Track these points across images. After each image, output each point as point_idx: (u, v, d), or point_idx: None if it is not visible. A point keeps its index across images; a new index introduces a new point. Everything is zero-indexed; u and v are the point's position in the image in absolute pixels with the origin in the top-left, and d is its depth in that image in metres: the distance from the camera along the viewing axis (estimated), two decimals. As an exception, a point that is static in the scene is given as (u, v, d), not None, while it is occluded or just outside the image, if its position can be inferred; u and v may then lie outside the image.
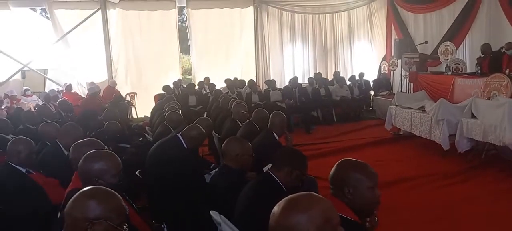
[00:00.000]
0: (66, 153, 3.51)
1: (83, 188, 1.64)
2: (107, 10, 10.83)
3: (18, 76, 10.93)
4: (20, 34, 10.64)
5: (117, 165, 2.18)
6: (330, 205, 1.35)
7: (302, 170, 2.47)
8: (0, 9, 10.41)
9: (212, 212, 2.19)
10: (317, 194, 1.39)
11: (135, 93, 11.29)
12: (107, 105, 8.05)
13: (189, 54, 12.92)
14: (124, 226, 1.56)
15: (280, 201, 1.33)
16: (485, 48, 7.58)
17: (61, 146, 3.59)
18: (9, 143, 3.16)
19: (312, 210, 1.29)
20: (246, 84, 10.12)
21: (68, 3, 10.65)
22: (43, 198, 2.97)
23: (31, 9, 11.43)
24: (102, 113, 6.32)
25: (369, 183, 1.80)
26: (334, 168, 1.90)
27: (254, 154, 3.73)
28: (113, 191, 1.61)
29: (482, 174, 5.11)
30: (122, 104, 8.79)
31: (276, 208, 1.32)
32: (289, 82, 10.36)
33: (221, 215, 2.13)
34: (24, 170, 3.06)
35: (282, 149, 2.88)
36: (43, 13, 11.87)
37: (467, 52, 9.36)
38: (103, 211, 1.51)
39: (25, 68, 10.82)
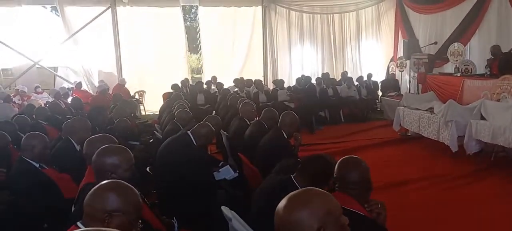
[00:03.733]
0: (78, 148, 3.57)
1: (97, 182, 1.69)
2: (117, 8, 10.93)
3: (35, 72, 11.04)
4: (31, 31, 10.78)
5: (129, 160, 2.22)
6: (330, 197, 1.38)
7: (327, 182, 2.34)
8: (11, 6, 10.56)
9: (223, 208, 2.22)
10: (316, 188, 1.41)
11: (144, 91, 11.37)
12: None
13: (197, 54, 12.99)
14: (139, 222, 1.60)
15: (282, 200, 1.35)
16: (495, 49, 7.52)
17: (73, 142, 3.64)
18: (23, 138, 3.21)
19: (313, 203, 1.32)
20: (253, 84, 10.16)
21: (78, 0, 10.75)
22: (56, 193, 3.02)
23: (42, 6, 11.56)
24: (110, 110, 6.38)
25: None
26: (335, 167, 2.08)
27: (262, 152, 3.77)
28: (132, 186, 1.64)
29: (490, 176, 5.07)
30: (131, 102, 8.86)
31: (279, 207, 1.35)
32: (297, 82, 10.37)
33: (232, 211, 2.16)
34: (37, 165, 3.10)
35: (310, 157, 2.63)
36: (54, 11, 11.99)
37: (476, 54, 9.29)
38: (121, 204, 1.55)
39: (36, 66, 10.95)
